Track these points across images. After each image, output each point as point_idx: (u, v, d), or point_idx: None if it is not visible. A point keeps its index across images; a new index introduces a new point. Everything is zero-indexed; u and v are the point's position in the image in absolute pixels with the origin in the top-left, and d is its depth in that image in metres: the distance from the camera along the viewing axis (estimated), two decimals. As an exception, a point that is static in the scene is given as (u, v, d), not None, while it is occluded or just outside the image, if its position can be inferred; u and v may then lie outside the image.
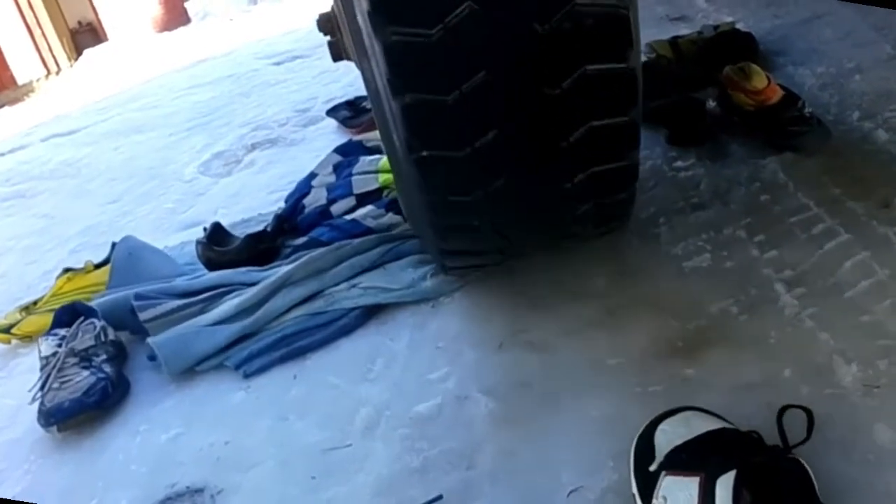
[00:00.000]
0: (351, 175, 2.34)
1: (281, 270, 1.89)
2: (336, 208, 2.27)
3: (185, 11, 12.55)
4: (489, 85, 1.26)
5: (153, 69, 7.05)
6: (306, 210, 2.32)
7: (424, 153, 1.34)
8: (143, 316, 1.87)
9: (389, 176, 2.27)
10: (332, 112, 3.35)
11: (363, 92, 3.82)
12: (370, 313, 1.82)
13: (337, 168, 2.44)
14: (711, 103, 2.26)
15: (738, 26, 2.96)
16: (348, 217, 2.14)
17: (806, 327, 1.39)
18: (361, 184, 2.30)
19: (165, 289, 1.98)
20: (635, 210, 1.92)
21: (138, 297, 1.91)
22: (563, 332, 1.59)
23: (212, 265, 2.13)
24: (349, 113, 3.23)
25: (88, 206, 3.35)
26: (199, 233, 2.61)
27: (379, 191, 2.27)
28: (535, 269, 1.82)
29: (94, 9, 12.74)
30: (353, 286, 1.85)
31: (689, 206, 1.90)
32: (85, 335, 1.84)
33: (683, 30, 3.32)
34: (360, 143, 2.60)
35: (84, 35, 12.91)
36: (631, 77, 1.38)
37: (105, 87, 6.86)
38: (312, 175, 2.54)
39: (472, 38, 1.23)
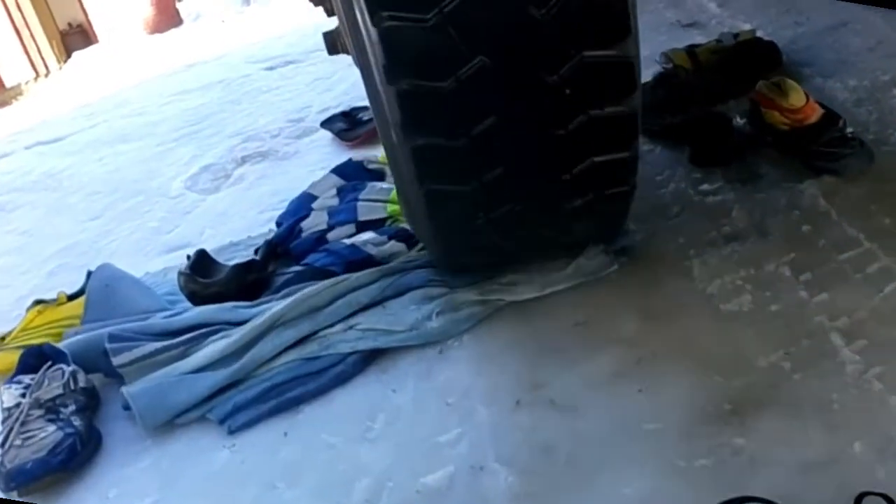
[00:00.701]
0: (357, 200, 2.16)
1: (271, 309, 1.70)
2: (333, 235, 2.09)
3: (177, 13, 12.33)
4: (487, 72, 1.27)
5: (143, 73, 6.85)
6: (303, 234, 2.13)
7: (420, 141, 1.34)
8: (117, 360, 1.68)
9: (398, 206, 2.09)
10: (326, 123, 3.16)
11: (359, 101, 3.64)
12: (369, 359, 1.64)
13: (341, 192, 2.24)
14: (738, 120, 2.08)
15: (758, 34, 2.78)
16: (347, 242, 1.95)
17: (874, 390, 1.21)
18: (367, 211, 2.12)
19: (143, 327, 1.79)
20: (662, 240, 1.75)
21: (112, 337, 1.73)
22: (588, 385, 1.40)
23: (195, 298, 1.95)
24: (345, 125, 3.04)
25: (69, 223, 3.15)
26: (183, 257, 2.44)
27: (383, 220, 2.08)
28: (552, 308, 1.64)
29: (84, 10, 12.51)
30: (351, 327, 1.67)
31: (721, 237, 1.72)
32: (52, 383, 1.65)
33: (698, 37, 3.14)
34: (360, 164, 2.41)
35: (74, 37, 12.67)
36: (628, 65, 1.37)
37: (93, 91, 6.66)
38: (310, 197, 2.35)
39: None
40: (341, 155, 2.96)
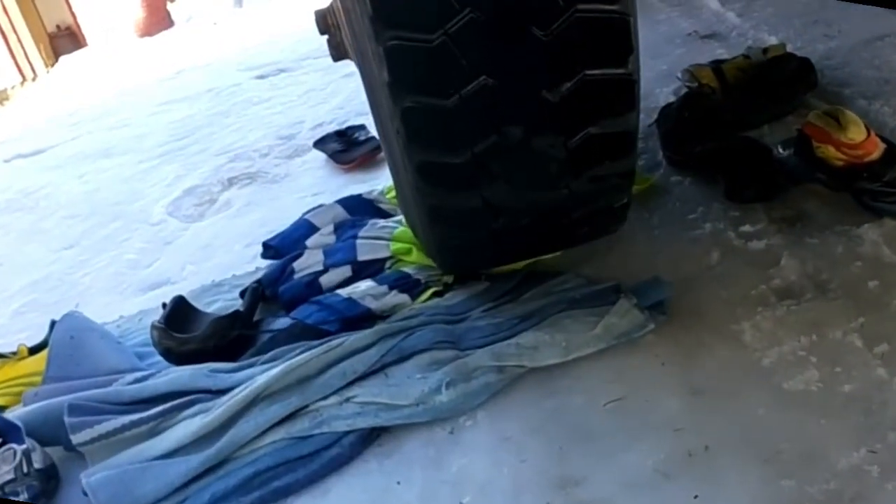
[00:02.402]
0: (356, 238, 1.93)
1: (255, 380, 1.47)
2: (327, 280, 1.86)
3: (168, 14, 12.10)
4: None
5: (131, 79, 6.62)
6: (295, 276, 1.90)
7: (410, 103, 1.30)
8: (77, 438, 1.46)
9: (404, 245, 1.87)
10: (319, 144, 2.93)
11: (354, 117, 3.41)
12: (369, 438, 1.41)
13: (339, 228, 2.01)
14: (781, 151, 1.86)
15: (787, 48, 2.56)
16: (343, 293, 1.72)
17: None
18: (367, 250, 1.89)
19: (108, 395, 1.56)
20: (702, 294, 1.53)
21: (73, 409, 1.50)
22: (629, 485, 1.18)
23: (170, 356, 1.72)
24: (339, 146, 2.81)
25: (41, 252, 2.91)
26: (161, 297, 2.22)
27: (383, 261, 1.85)
28: (579, 378, 1.42)
29: (72, 12, 12.27)
30: (347, 400, 1.45)
31: (773, 293, 1.50)
32: (3, 466, 1.42)
33: (719, 50, 2.92)
34: (369, 202, 2.18)
35: (63, 39, 12.42)
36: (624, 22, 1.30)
37: (79, 98, 6.42)
38: (309, 226, 2.12)
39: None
40: (335, 179, 2.74)
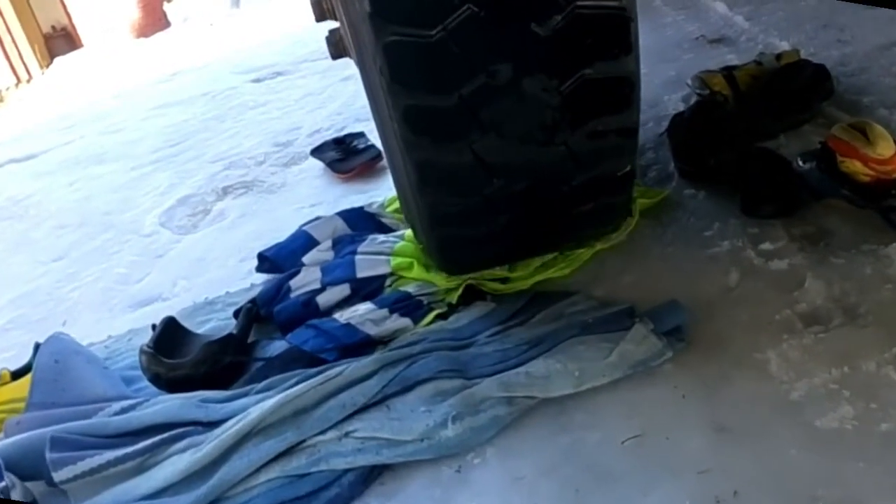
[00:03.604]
0: (355, 254, 1.84)
1: (248, 413, 1.38)
2: (324, 299, 1.77)
3: (164, 15, 12.01)
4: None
5: (125, 81, 6.53)
6: (291, 295, 1.81)
7: (392, 36, 1.27)
8: (59, 476, 1.37)
9: (405, 260, 1.78)
10: (317, 152, 2.84)
11: (353, 124, 3.32)
12: (370, 477, 1.32)
13: (337, 244, 1.92)
14: (801, 164, 1.77)
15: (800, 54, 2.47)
16: (341, 318, 1.63)
17: None
18: (367, 266, 1.80)
19: (93, 427, 1.47)
20: (723, 319, 1.44)
21: (55, 443, 1.41)
22: (653, 535, 1.09)
23: (159, 382, 1.63)
24: (337, 154, 2.72)
25: (29, 264, 2.82)
26: (152, 315, 2.13)
27: (382, 278, 1.76)
28: (594, 412, 1.33)
29: (67, 13, 12.17)
30: (346, 435, 1.35)
31: (798, 318, 1.41)
32: (-23, 505, 1.32)
33: (729, 56, 2.84)
34: (371, 216, 2.09)
35: (58, 40, 12.33)
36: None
37: (73, 101, 6.34)
38: (308, 239, 2.03)
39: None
40: (333, 189, 2.65)
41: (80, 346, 1.79)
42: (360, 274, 1.80)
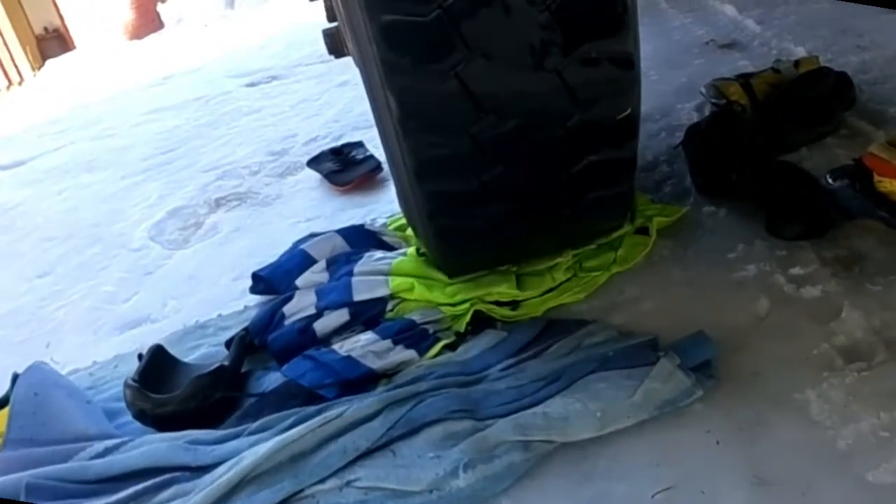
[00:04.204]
0: (351, 275, 1.72)
1: (242, 459, 1.27)
2: (322, 325, 1.65)
3: (157, 16, 11.89)
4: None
5: (118, 84, 6.42)
6: (285, 322, 1.69)
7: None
8: (32, 528, 1.24)
9: (404, 281, 1.66)
10: (314, 163, 2.73)
11: (350, 132, 3.20)
12: (374, 532, 1.20)
13: (332, 264, 1.80)
14: (831, 182, 1.66)
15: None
16: (341, 350, 1.52)
17: None
18: (364, 288, 1.68)
19: (73, 472, 1.36)
20: (755, 354, 1.33)
21: (31, 491, 1.31)
22: None
23: (145, 419, 1.52)
24: (335, 165, 2.61)
25: (13, 279, 2.70)
26: (140, 339, 2.01)
27: (383, 301, 1.65)
28: (619, 460, 1.21)
29: (60, 14, 12.05)
30: (348, 484, 1.24)
31: (838, 353, 1.30)
32: (-56, 562, 1.21)
33: (742, 62, 2.73)
34: (373, 234, 1.97)
35: (50, 42, 12.22)
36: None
37: (64, 105, 6.21)
38: (306, 257, 1.91)
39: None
40: (331, 202, 2.54)
41: (60, 378, 1.67)
42: (358, 297, 1.69)
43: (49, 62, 10.00)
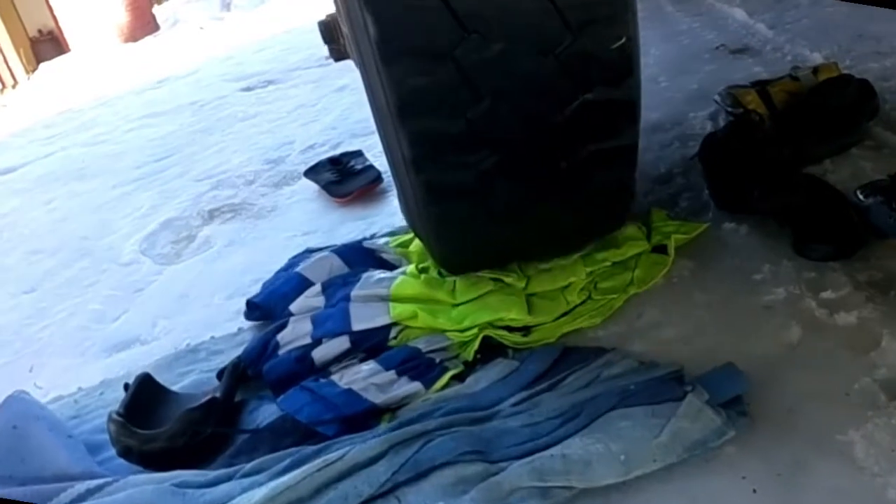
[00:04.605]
0: (348, 300, 1.61)
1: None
2: (321, 354, 1.55)
3: (153, 18, 11.81)
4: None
5: (111, 88, 6.33)
6: (280, 352, 1.59)
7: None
8: (5, 583, 1.13)
9: (406, 308, 1.56)
10: (311, 173, 2.62)
11: (349, 140, 3.10)
12: (379, 590, 1.09)
13: (327, 288, 1.70)
14: (862, 198, 1.56)
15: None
16: (341, 381, 1.42)
17: None
18: (363, 316, 1.58)
19: (51, 517, 1.24)
20: (790, 389, 1.23)
21: (3, 540, 1.18)
22: None
23: (131, 456, 1.41)
24: (334, 176, 2.51)
25: (-1, 295, 2.59)
26: (129, 360, 1.91)
27: (386, 329, 1.55)
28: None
29: (54, 17, 11.95)
30: (350, 536, 1.13)
31: (881, 389, 1.20)
32: None
33: (756, 68, 2.64)
34: (370, 252, 1.87)
35: (44, 44, 12.12)
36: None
37: (56, 109, 6.12)
38: (301, 280, 1.81)
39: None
40: (329, 215, 2.44)
41: (41, 409, 1.56)
42: (357, 326, 1.58)
43: (43, 65, 9.89)
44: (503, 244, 1.58)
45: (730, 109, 2.17)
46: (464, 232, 1.51)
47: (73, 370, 1.97)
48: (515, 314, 1.53)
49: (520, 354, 1.48)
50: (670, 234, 1.69)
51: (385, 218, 2.26)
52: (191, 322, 2.01)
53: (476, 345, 1.49)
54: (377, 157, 2.62)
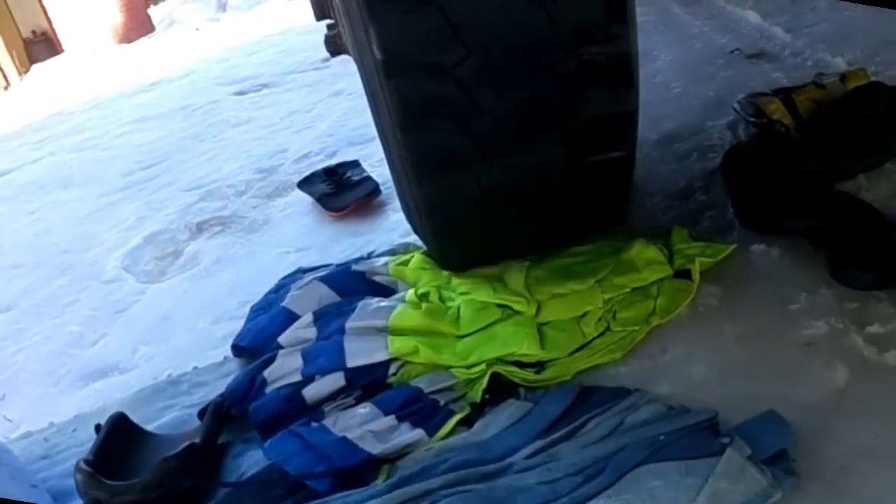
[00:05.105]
0: (342, 332, 1.47)
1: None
2: (313, 392, 1.40)
3: (148, 19, 11.69)
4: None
5: (103, 90, 6.19)
6: (267, 389, 1.44)
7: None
8: None
9: (406, 342, 1.41)
10: (305, 184, 2.48)
11: (345, 149, 2.94)
12: None
13: (319, 319, 1.55)
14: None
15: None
16: (335, 427, 1.27)
17: None
18: (359, 350, 1.43)
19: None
20: (839, 441, 1.09)
21: None
22: None
23: (100, 511, 1.26)
24: (329, 188, 2.36)
25: (-28, 314, 2.44)
26: (105, 391, 1.77)
27: (385, 365, 1.40)
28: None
29: (48, 18, 11.83)
30: None
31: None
32: None
33: (775, 74, 2.49)
34: (361, 275, 1.71)
35: (38, 45, 12.00)
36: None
37: (47, 112, 5.98)
38: (287, 315, 1.65)
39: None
40: (323, 230, 2.29)
41: (4, 454, 1.42)
42: (352, 362, 1.43)
43: (35, 67, 9.77)
44: (500, 231, 1.52)
45: (752, 119, 2.02)
46: (459, 214, 1.47)
47: (47, 400, 1.83)
48: (527, 348, 1.39)
49: (533, 395, 1.33)
50: (694, 258, 1.54)
51: (383, 234, 2.12)
52: (173, 349, 1.87)
53: (484, 383, 1.35)
54: (375, 168, 2.47)
